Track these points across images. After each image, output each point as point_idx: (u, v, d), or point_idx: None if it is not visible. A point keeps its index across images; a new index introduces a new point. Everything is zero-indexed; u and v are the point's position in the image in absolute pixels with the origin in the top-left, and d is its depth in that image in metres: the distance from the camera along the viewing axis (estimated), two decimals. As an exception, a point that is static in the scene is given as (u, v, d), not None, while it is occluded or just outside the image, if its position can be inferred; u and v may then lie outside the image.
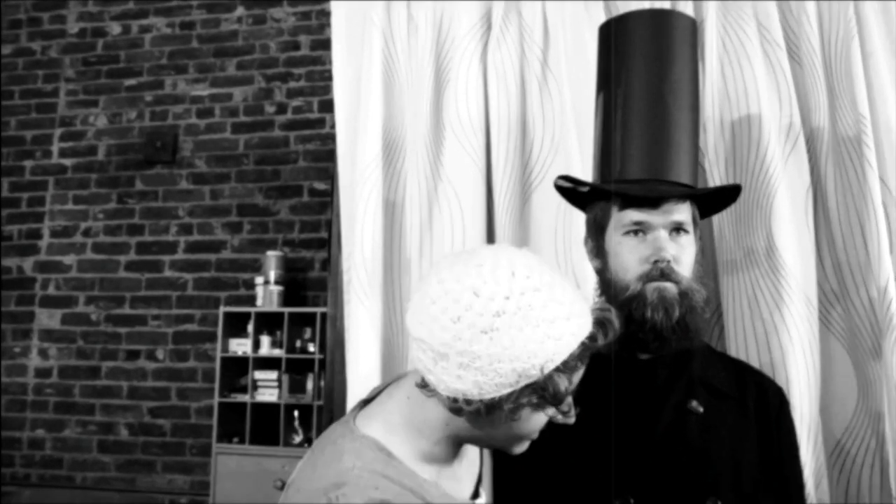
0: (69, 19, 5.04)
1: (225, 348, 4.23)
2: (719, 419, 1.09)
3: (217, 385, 4.19)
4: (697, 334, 1.10)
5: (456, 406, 0.82)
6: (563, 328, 0.79)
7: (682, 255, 1.10)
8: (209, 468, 4.21)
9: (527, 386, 0.79)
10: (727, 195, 1.21)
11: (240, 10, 4.83)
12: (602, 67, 1.27)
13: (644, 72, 1.19)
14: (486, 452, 1.07)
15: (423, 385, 0.85)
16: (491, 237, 1.52)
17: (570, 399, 0.85)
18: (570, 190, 1.21)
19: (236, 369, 4.29)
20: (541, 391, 0.80)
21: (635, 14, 1.25)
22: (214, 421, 4.15)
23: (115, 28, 4.98)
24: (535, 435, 0.88)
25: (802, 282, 1.36)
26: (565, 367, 0.80)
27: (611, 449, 1.03)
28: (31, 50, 5.06)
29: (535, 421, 0.85)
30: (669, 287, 1.07)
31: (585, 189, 1.19)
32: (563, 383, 0.80)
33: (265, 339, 4.24)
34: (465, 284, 0.80)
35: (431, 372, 0.82)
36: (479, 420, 0.84)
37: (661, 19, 1.23)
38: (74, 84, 4.97)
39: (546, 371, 0.78)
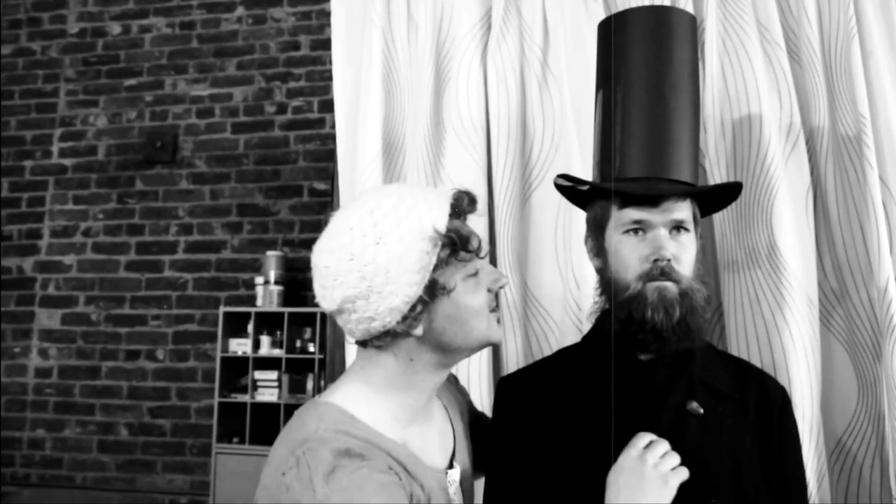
0: (69, 19, 5.04)
1: (225, 348, 4.23)
2: (719, 420, 1.08)
3: (217, 385, 4.19)
4: (698, 334, 1.09)
5: (407, 322, 0.89)
6: (431, 199, 0.92)
7: (683, 253, 1.09)
8: (209, 468, 4.22)
9: (440, 251, 0.89)
10: (728, 193, 1.20)
11: (240, 10, 4.83)
12: (601, 65, 1.26)
13: (644, 69, 1.18)
14: (461, 432, 1.08)
15: (374, 345, 0.92)
16: (491, 236, 1.52)
17: (476, 236, 0.95)
18: (571, 189, 1.21)
19: (236, 369, 4.29)
20: (452, 244, 0.90)
21: (635, 10, 1.24)
22: (214, 421, 4.16)
23: (115, 28, 4.98)
24: (489, 305, 0.96)
25: (804, 282, 1.35)
26: (455, 216, 0.92)
27: (610, 449, 1.03)
28: (31, 50, 5.06)
29: (471, 289, 0.94)
30: (670, 287, 1.06)
31: (585, 188, 1.19)
32: (462, 227, 0.93)
33: (265, 339, 4.24)
34: (339, 234, 0.90)
35: (373, 318, 0.88)
36: (432, 318, 0.91)
37: (660, 15, 1.22)
38: (74, 84, 4.97)
39: (442, 227, 0.89)
